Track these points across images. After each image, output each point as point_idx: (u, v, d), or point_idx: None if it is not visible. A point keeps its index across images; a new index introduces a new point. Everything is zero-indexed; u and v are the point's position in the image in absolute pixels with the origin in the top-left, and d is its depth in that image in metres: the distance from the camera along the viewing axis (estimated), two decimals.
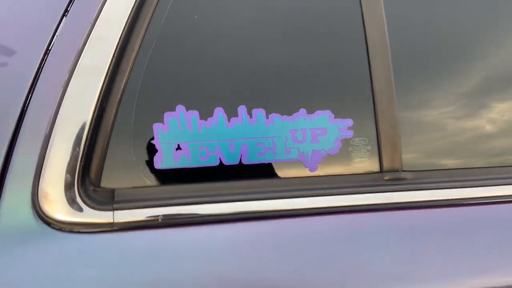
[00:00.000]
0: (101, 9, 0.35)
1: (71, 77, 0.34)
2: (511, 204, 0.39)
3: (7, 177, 0.33)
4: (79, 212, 0.33)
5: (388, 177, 0.39)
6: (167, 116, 0.37)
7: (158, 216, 0.35)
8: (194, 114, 0.38)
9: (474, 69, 0.45)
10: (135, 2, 0.36)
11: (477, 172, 0.41)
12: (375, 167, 0.40)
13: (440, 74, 0.44)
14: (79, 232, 0.33)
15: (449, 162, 0.42)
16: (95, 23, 0.35)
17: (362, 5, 0.40)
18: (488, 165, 0.42)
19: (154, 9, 0.37)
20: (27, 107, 0.34)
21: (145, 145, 0.37)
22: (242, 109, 0.38)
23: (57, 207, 0.33)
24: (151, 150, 0.37)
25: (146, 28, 0.37)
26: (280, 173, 0.39)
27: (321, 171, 0.39)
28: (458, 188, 0.39)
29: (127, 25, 0.36)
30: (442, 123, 0.42)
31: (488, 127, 0.44)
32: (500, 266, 0.37)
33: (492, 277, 0.37)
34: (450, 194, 0.39)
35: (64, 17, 0.35)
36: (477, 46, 0.45)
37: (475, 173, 0.41)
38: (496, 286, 0.36)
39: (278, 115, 0.39)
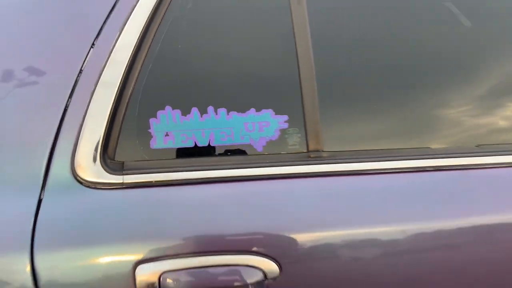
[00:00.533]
0: (116, 43, 0.53)
1: (95, 88, 0.52)
2: (401, 174, 0.55)
3: (54, 153, 0.51)
4: (101, 176, 0.51)
5: (312, 155, 0.56)
6: (159, 113, 0.55)
7: (152, 179, 0.52)
8: (177, 112, 0.55)
9: (381, 70, 0.61)
10: (138, 37, 0.54)
11: (377, 152, 0.57)
12: (303, 148, 0.57)
13: (356, 78, 0.60)
14: (101, 189, 0.51)
15: (357, 145, 0.58)
16: (111, 52, 0.53)
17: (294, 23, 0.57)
18: (387, 147, 0.59)
19: (152, 41, 0.55)
20: (67, 107, 0.51)
21: (144, 133, 0.55)
22: (210, 108, 0.56)
23: (86, 172, 0.51)
24: (148, 136, 0.55)
25: (146, 55, 0.54)
26: (237, 152, 0.56)
27: (265, 151, 0.56)
28: (362, 162, 0.55)
29: (132, 53, 0.53)
30: (353, 116, 0.59)
31: (387, 116, 0.60)
32: (386, 221, 0.54)
33: (377, 226, 0.53)
34: (356, 167, 0.55)
35: (92, 48, 0.53)
36: (383, 48, 0.61)
37: (376, 152, 0.57)
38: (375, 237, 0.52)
39: (236, 112, 0.56)
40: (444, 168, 0.56)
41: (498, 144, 0.62)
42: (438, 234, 0.54)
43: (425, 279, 0.55)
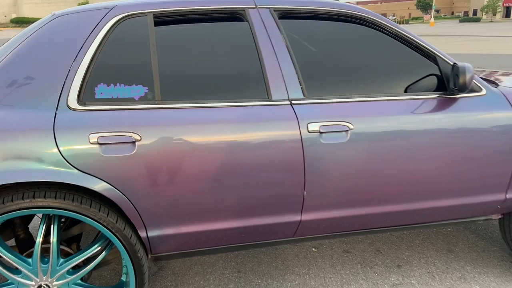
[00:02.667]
0: (83, 59, 1.45)
1: (75, 77, 1.44)
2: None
3: (60, 98, 1.43)
4: (77, 106, 1.43)
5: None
6: (99, 85, 1.47)
7: (93, 108, 1.45)
8: (109, 84, 1.47)
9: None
10: (91, 56, 1.46)
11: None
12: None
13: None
14: (77, 110, 1.43)
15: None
16: (81, 63, 1.45)
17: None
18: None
19: (95, 56, 1.47)
20: (64, 84, 1.44)
21: (93, 93, 1.47)
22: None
23: (72, 105, 1.43)
24: (103, 92, 1.47)
25: (93, 62, 1.46)
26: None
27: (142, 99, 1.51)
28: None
29: (90, 61, 1.46)
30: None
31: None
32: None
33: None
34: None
35: (73, 62, 1.45)
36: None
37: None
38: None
39: (123, 84, 1.50)
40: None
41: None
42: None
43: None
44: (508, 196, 1.81)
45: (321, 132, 1.59)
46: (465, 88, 1.64)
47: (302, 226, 1.67)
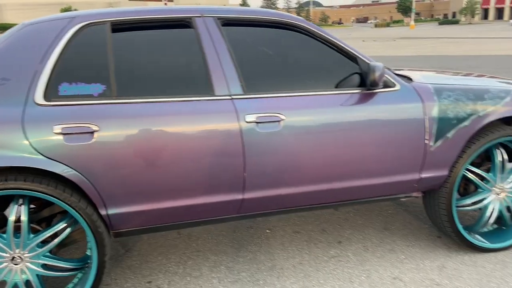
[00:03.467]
0: (48, 61, 1.69)
1: (41, 76, 1.68)
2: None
3: (29, 94, 1.67)
4: (43, 101, 1.67)
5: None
6: (63, 83, 1.71)
7: (56, 103, 1.69)
8: (71, 82, 1.71)
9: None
10: (54, 60, 1.70)
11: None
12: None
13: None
14: (44, 106, 1.67)
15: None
16: (46, 64, 1.69)
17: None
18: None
19: (58, 60, 1.71)
20: (32, 82, 1.68)
21: (56, 90, 1.71)
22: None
23: (38, 100, 1.67)
24: (66, 89, 1.71)
25: (57, 64, 1.71)
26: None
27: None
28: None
29: (53, 64, 1.70)
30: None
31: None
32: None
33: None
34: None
35: (40, 64, 1.69)
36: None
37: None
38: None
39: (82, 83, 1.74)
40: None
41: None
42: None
43: None
44: (422, 175, 2.11)
45: (257, 122, 1.86)
46: (375, 84, 1.94)
47: (245, 203, 1.94)
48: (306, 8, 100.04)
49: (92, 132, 1.69)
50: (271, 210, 2.04)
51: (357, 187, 2.05)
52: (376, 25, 64.07)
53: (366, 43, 23.80)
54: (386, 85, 2.08)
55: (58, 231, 1.79)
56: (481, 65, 11.01)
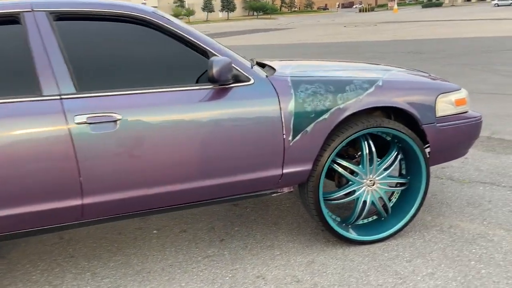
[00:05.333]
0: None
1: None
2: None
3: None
4: None
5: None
6: None
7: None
8: None
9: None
10: None
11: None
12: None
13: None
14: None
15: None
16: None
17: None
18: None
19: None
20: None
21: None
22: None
23: None
24: None
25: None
26: None
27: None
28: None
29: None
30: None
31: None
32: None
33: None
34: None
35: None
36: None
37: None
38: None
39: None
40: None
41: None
42: None
43: None
44: (284, 171, 2.03)
45: (89, 123, 1.75)
46: (214, 80, 1.84)
47: (87, 209, 1.85)
48: None
49: None
50: (124, 213, 1.95)
51: (215, 186, 1.96)
52: (360, 10, 63.47)
53: (347, 29, 23.64)
54: (239, 79, 1.98)
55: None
56: (448, 49, 11.02)
